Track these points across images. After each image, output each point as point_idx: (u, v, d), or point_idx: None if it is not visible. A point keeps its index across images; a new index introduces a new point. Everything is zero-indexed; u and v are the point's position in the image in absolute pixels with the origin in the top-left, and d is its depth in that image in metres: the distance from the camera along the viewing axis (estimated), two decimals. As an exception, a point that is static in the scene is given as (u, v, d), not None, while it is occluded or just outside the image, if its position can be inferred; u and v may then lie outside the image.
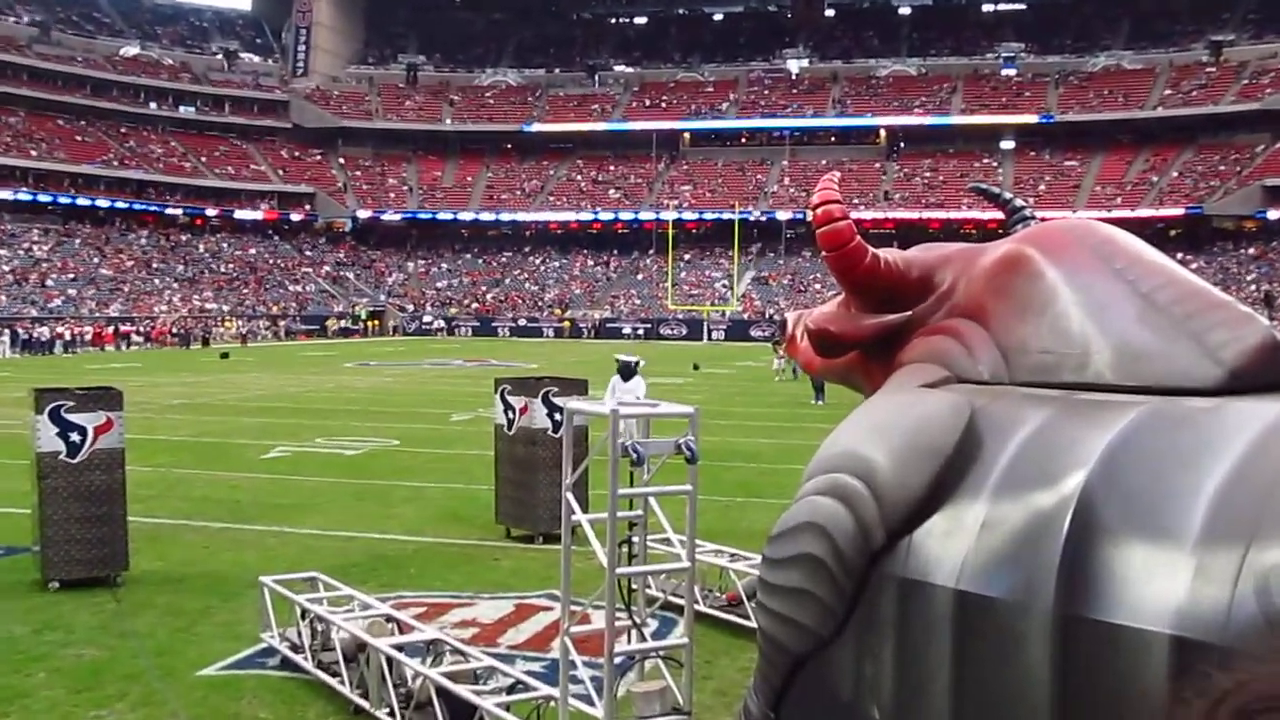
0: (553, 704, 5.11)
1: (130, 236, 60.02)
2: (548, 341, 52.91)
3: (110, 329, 46.90)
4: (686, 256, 62.06)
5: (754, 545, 7.18)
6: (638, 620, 4.89)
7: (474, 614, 7.66)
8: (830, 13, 74.04)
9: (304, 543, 9.82)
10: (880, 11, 73.54)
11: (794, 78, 70.18)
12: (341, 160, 69.82)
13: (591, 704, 4.97)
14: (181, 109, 67.17)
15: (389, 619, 6.41)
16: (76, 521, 8.04)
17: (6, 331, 43.20)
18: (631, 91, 71.66)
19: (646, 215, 63.00)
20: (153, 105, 66.11)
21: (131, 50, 67.30)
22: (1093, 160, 61.85)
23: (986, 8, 72.83)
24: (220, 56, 71.53)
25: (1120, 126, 61.55)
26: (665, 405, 5.05)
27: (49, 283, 52.02)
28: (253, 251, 63.39)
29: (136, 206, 60.89)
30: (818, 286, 55.31)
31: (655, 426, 5.10)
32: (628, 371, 12.83)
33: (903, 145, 66.18)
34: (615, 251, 65.98)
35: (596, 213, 65.56)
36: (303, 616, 6.57)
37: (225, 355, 38.66)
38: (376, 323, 59.12)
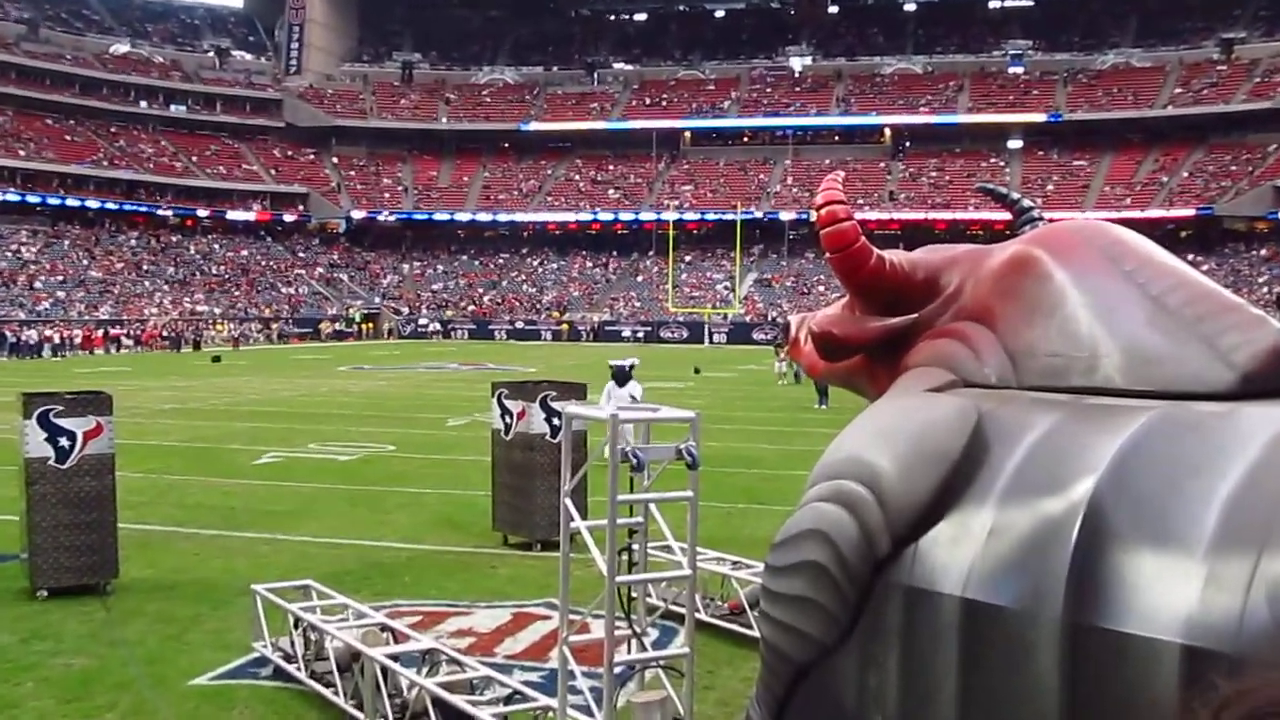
0: (551, 714, 5.07)
1: (120, 238, 59.70)
2: (545, 344, 52.71)
3: (100, 332, 46.68)
4: (687, 258, 61.79)
5: (756, 553, 7.13)
6: (638, 629, 4.85)
7: (470, 623, 7.59)
8: (834, 9, 73.44)
9: (297, 550, 9.75)
10: (885, 8, 72.75)
11: (797, 76, 69.79)
12: (335, 160, 69.50)
13: (591, 715, 4.92)
14: (172, 108, 66.76)
15: (384, 628, 6.37)
16: (65, 528, 7.97)
17: (-5, 335, 43.03)
18: (631, 90, 71.35)
19: (646, 216, 62.59)
20: (143, 104, 65.73)
21: (121, 48, 66.92)
22: (1102, 160, 61.65)
23: (993, 4, 71.93)
24: (212, 54, 71.12)
25: (1130, 126, 61.16)
26: (666, 410, 5.00)
27: (37, 285, 51.78)
28: (245, 253, 63.11)
29: (126, 207, 60.54)
30: (821, 288, 55.19)
31: (656, 431, 5.05)
32: (622, 376, 12.80)
33: (908, 144, 65.91)
34: (614, 253, 65.64)
35: (595, 213, 65.09)
36: (296, 625, 6.52)
37: (217, 359, 38.44)
38: (371, 325, 58.95)
